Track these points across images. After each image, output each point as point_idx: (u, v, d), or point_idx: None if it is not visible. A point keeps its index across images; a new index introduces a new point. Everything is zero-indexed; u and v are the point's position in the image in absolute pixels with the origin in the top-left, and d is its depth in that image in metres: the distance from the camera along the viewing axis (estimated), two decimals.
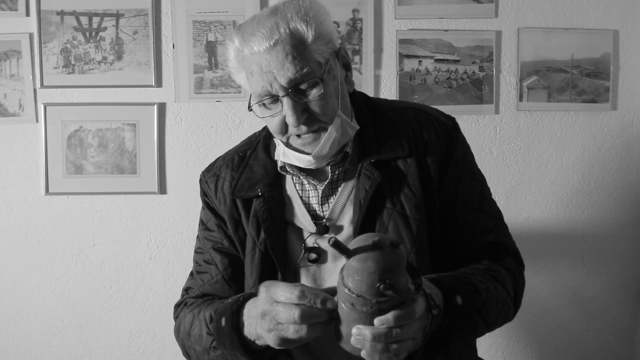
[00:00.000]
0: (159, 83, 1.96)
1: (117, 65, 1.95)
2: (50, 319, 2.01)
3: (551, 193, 2.00)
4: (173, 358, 2.01)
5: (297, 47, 0.97)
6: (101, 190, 1.97)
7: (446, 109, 1.19)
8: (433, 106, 1.20)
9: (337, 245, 0.78)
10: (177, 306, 1.17)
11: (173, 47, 1.95)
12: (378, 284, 0.76)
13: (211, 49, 1.95)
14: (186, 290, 1.19)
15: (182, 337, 1.09)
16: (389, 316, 0.78)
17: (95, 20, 1.95)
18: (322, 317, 0.81)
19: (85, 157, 1.96)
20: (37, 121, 1.96)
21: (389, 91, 1.96)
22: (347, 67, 1.09)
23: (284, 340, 0.84)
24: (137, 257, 2.00)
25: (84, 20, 1.95)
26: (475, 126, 1.97)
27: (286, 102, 0.98)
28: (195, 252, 1.20)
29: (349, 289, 0.79)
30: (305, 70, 0.97)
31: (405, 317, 0.78)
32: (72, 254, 1.99)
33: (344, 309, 0.81)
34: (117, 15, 1.95)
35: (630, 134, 1.99)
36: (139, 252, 2.00)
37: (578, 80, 1.97)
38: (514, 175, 1.99)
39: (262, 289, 0.86)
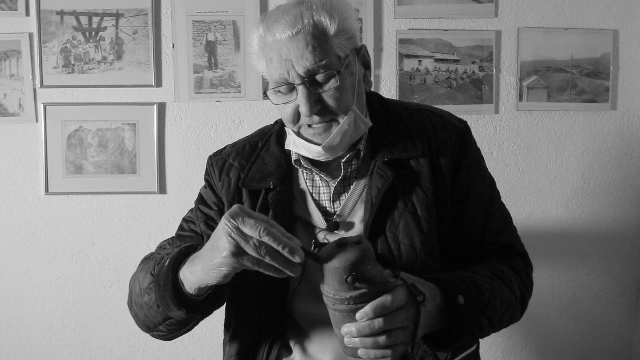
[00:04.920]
0: (159, 83, 1.96)
1: (117, 65, 1.95)
2: (50, 319, 2.01)
3: (551, 193, 2.00)
4: (173, 358, 2.01)
5: (319, 39, 0.98)
6: (101, 190, 1.97)
7: (446, 109, 1.20)
8: (435, 106, 1.21)
9: (304, 251, 0.82)
10: (145, 259, 1.16)
11: (173, 47, 1.95)
12: (346, 277, 0.79)
13: (211, 49, 1.95)
14: (160, 247, 1.19)
15: (131, 283, 1.08)
16: (367, 308, 0.80)
17: (95, 20, 1.95)
18: (285, 252, 0.80)
19: (85, 157, 1.96)
20: (37, 121, 1.96)
21: (389, 91, 1.97)
22: (366, 66, 1.10)
23: (237, 250, 0.82)
24: (137, 257, 1.97)
25: (84, 20, 1.95)
26: (475, 126, 1.97)
27: (301, 91, 0.99)
28: (185, 220, 1.21)
29: (326, 292, 0.83)
30: (323, 62, 0.98)
31: (383, 307, 0.80)
32: (72, 254, 2.00)
33: (331, 314, 0.85)
34: (117, 15, 1.95)
35: (630, 134, 1.99)
36: (139, 252, 1.99)
37: (578, 80, 1.97)
38: (514, 175, 1.99)
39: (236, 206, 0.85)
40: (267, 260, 0.81)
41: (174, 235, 1.21)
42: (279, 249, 0.80)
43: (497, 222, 1.12)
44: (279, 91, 1.02)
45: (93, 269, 2.00)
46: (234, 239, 0.81)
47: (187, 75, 1.95)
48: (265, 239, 0.80)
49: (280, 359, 1.10)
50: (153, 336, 1.08)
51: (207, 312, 1.01)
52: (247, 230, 0.80)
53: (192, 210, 1.21)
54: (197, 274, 0.90)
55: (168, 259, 0.95)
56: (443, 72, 1.96)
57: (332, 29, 0.99)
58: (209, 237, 1.11)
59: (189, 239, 1.14)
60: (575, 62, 1.97)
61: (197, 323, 1.04)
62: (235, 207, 0.84)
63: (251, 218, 0.81)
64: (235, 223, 0.81)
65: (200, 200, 1.20)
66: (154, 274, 0.98)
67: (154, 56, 1.95)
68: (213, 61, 1.96)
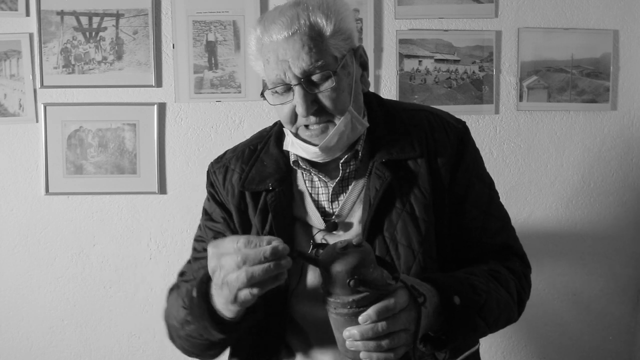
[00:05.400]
0: (159, 83, 1.96)
1: (117, 65, 1.95)
2: (50, 319, 2.01)
3: (551, 193, 2.00)
4: (173, 358, 2.01)
5: (315, 39, 0.98)
6: (101, 190, 1.97)
7: (446, 109, 1.20)
8: (434, 106, 1.21)
9: (302, 256, 0.81)
10: (171, 290, 1.16)
11: (173, 47, 1.95)
12: (348, 281, 0.79)
13: (211, 49, 1.95)
14: (181, 274, 1.19)
15: (166, 316, 1.08)
16: (370, 311, 0.80)
17: (95, 20, 1.95)
18: (269, 256, 0.79)
19: (85, 157, 1.97)
20: (37, 121, 1.96)
21: (389, 91, 1.97)
22: (364, 66, 1.10)
23: (234, 294, 0.83)
24: (137, 257, 2.00)
25: (84, 20, 1.95)
26: (475, 126, 1.97)
27: (297, 91, 0.99)
28: (195, 240, 1.20)
29: (328, 295, 0.82)
30: (319, 62, 0.98)
31: (386, 309, 0.80)
32: (72, 254, 2.00)
33: (332, 317, 0.84)
34: (117, 15, 1.95)
35: (630, 134, 1.99)
36: (139, 252, 2.00)
37: (578, 80, 1.97)
38: (514, 175, 1.99)
39: (209, 247, 0.85)
40: (258, 277, 0.80)
41: (190, 258, 1.20)
42: (265, 266, 0.79)
43: (496, 222, 1.11)
44: (276, 91, 1.03)
45: (93, 269, 2.00)
46: (225, 290, 0.83)
47: (187, 75, 1.95)
48: (247, 266, 0.79)
49: None
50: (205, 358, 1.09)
51: (250, 325, 1.00)
52: (228, 267, 0.81)
53: (200, 228, 1.20)
54: (224, 307, 0.90)
55: (194, 289, 0.94)
56: (443, 72, 1.96)
57: (328, 29, 0.99)
58: None
59: (204, 261, 1.14)
60: (575, 62, 1.97)
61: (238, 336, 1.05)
62: (209, 251, 0.85)
63: (225, 256, 0.82)
64: (218, 275, 0.83)
65: (205, 215, 1.19)
66: (186, 307, 0.97)
67: (154, 56, 1.95)
68: (213, 61, 1.96)
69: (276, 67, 0.99)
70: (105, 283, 2.00)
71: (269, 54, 1.00)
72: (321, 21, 0.99)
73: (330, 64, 0.99)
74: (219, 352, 1.07)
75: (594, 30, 1.96)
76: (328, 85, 1.00)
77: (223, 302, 0.87)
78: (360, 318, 0.80)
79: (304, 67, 0.98)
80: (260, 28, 1.02)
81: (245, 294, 0.81)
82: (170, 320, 1.05)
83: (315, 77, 0.99)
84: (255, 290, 0.81)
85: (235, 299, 0.83)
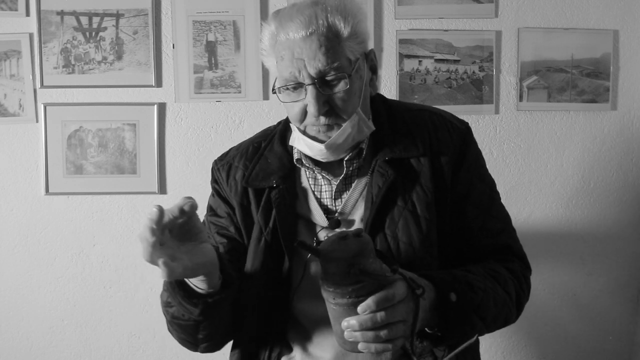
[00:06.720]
0: (159, 83, 1.96)
1: (117, 65, 1.95)
2: (50, 319, 2.01)
3: (551, 193, 2.00)
4: (173, 358, 2.01)
5: (332, 41, 0.99)
6: (101, 190, 1.97)
7: (446, 109, 1.20)
8: (435, 106, 1.22)
9: (303, 245, 0.82)
10: None
11: (173, 47, 1.95)
12: (348, 270, 0.79)
13: (211, 49, 1.95)
14: None
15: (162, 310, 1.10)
16: (369, 301, 0.80)
17: (95, 20, 1.95)
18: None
19: (85, 157, 1.97)
20: (37, 121, 1.96)
21: (389, 91, 1.96)
22: (374, 70, 1.11)
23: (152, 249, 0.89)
24: (137, 257, 1.98)
25: (84, 20, 1.95)
26: (475, 126, 1.97)
27: (310, 91, 1.00)
28: None
29: (327, 285, 0.82)
30: (335, 64, 0.99)
31: (385, 299, 0.81)
32: (72, 254, 2.00)
33: (330, 308, 0.85)
34: (117, 15, 1.95)
35: (630, 134, 1.99)
36: (139, 252, 1.98)
37: (578, 80, 1.97)
38: (514, 175, 1.99)
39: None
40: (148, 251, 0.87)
41: None
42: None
43: (496, 223, 1.12)
44: (287, 89, 1.03)
45: (93, 269, 2.00)
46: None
47: (187, 75, 1.95)
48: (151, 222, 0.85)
49: (281, 357, 1.10)
50: (203, 351, 1.10)
51: (227, 299, 1.00)
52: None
53: (203, 224, 1.21)
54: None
55: None
56: (443, 72, 1.96)
57: (345, 31, 1.00)
58: (224, 245, 1.13)
59: None
60: (575, 62, 1.97)
61: (225, 324, 1.06)
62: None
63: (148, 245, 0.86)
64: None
65: (210, 211, 1.21)
66: (166, 288, 0.99)
67: (154, 56, 1.95)
68: (213, 61, 1.96)
69: (291, 65, 1.00)
70: (105, 283, 2.00)
71: (284, 51, 1.01)
72: (339, 23, 1.00)
73: (345, 67, 1.00)
74: (211, 340, 1.06)
75: (594, 30, 1.96)
76: (341, 87, 1.00)
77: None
78: (359, 308, 0.81)
79: (320, 67, 0.98)
80: (276, 24, 1.03)
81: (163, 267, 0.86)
82: (162, 308, 1.07)
83: (329, 78, 1.00)
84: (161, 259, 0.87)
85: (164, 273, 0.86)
